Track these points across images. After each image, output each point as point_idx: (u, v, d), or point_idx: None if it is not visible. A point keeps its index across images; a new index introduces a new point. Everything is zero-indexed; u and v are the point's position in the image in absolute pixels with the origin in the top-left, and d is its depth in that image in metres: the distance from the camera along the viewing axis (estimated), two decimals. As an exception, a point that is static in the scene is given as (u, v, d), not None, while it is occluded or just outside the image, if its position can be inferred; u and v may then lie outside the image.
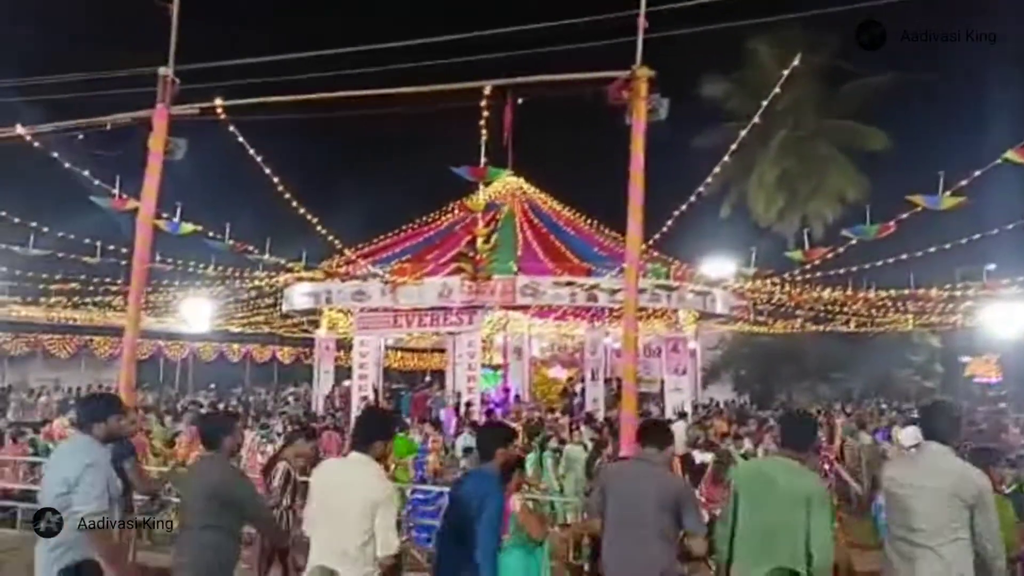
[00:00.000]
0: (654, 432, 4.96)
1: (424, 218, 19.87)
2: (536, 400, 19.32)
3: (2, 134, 11.31)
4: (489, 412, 15.30)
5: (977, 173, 8.73)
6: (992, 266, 17.81)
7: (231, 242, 13.91)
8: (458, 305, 17.17)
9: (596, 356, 19.57)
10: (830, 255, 13.45)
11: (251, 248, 14.75)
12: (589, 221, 21.89)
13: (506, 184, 19.34)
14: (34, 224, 15.02)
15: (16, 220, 14.69)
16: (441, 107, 10.48)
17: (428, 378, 22.74)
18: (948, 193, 8.96)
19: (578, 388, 20.31)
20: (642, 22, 7.87)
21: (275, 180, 12.29)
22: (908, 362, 29.85)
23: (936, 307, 19.79)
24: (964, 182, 8.92)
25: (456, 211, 19.57)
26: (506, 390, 18.92)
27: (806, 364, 28.52)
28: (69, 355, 30.58)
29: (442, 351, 22.99)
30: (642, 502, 4.59)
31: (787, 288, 19.36)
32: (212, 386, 28.02)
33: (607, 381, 19.66)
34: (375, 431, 4.32)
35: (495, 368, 20.08)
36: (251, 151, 11.24)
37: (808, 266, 15.22)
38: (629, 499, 4.65)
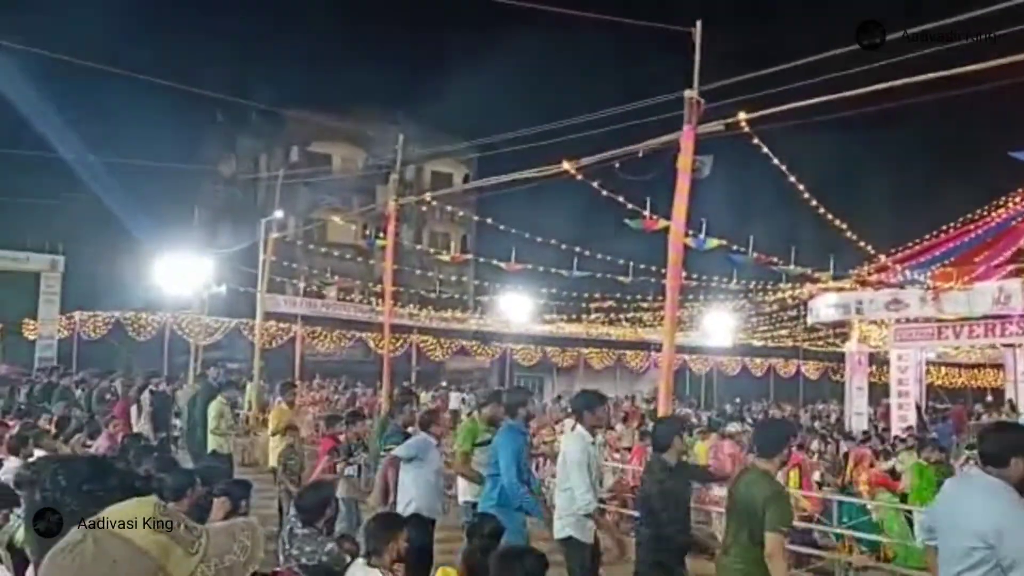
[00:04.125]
0: None
1: (971, 214, 17.38)
2: None
3: (551, 170, 12.89)
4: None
5: None
6: None
7: (754, 255, 13.80)
8: (1019, 313, 14.65)
9: None
10: None
11: (775, 259, 14.47)
12: None
13: (1080, 165, 15.95)
14: (577, 249, 16.88)
15: (563, 246, 16.67)
16: (992, 85, 9.00)
17: (989, 398, 19.80)
18: None
19: None
20: None
21: (800, 187, 11.84)
22: None
23: None
24: None
25: (1015, 203, 16.72)
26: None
27: None
28: (606, 367, 33.86)
29: (998, 367, 19.86)
30: None
31: None
32: (736, 400, 28.33)
33: None
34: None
35: (1073, 386, 16.64)
36: (775, 160, 11.00)
37: None
38: None
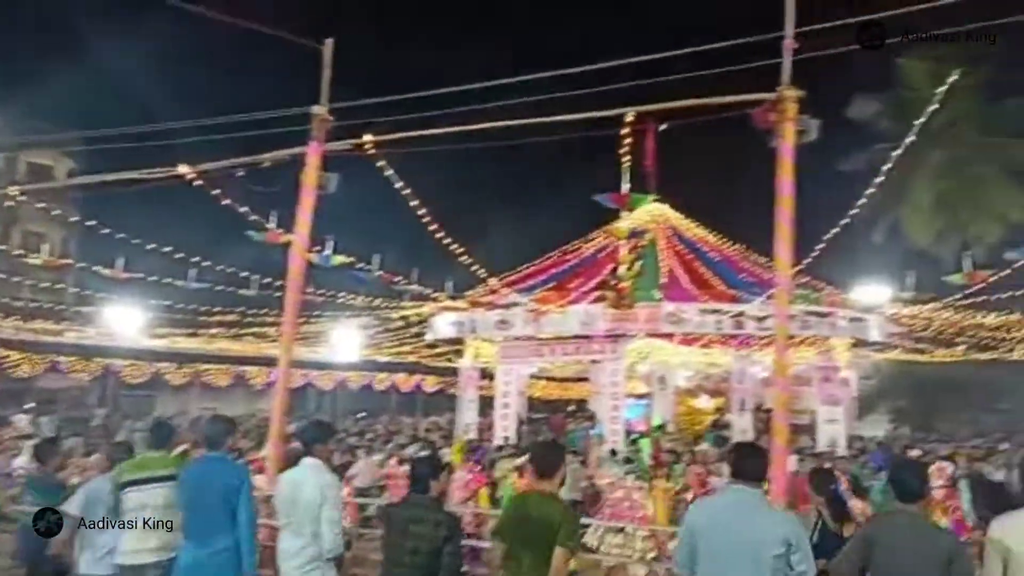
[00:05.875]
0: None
1: (568, 246, 19.73)
2: (681, 431, 18.70)
3: (166, 173, 12.03)
4: (633, 442, 14.84)
5: None
6: None
7: (379, 273, 14.19)
8: (601, 333, 16.88)
9: (743, 385, 18.84)
10: (993, 278, 13.16)
11: (398, 278, 15.01)
12: (735, 247, 21.14)
13: (649, 211, 18.94)
14: (195, 259, 15.90)
15: (178, 255, 15.59)
16: (584, 135, 10.34)
17: (571, 407, 22.45)
18: None
19: (726, 418, 19.58)
20: (790, 42, 7.58)
21: (421, 212, 12.46)
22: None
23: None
24: None
25: (600, 239, 19.34)
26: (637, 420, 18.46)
27: (970, 394, 27.15)
28: (226, 385, 32.21)
29: (585, 380, 22.68)
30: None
31: (947, 314, 18.27)
32: (360, 415, 28.72)
33: (757, 409, 18.90)
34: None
35: (640, 397, 19.59)
36: (398, 184, 11.45)
37: (970, 291, 14.82)
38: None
